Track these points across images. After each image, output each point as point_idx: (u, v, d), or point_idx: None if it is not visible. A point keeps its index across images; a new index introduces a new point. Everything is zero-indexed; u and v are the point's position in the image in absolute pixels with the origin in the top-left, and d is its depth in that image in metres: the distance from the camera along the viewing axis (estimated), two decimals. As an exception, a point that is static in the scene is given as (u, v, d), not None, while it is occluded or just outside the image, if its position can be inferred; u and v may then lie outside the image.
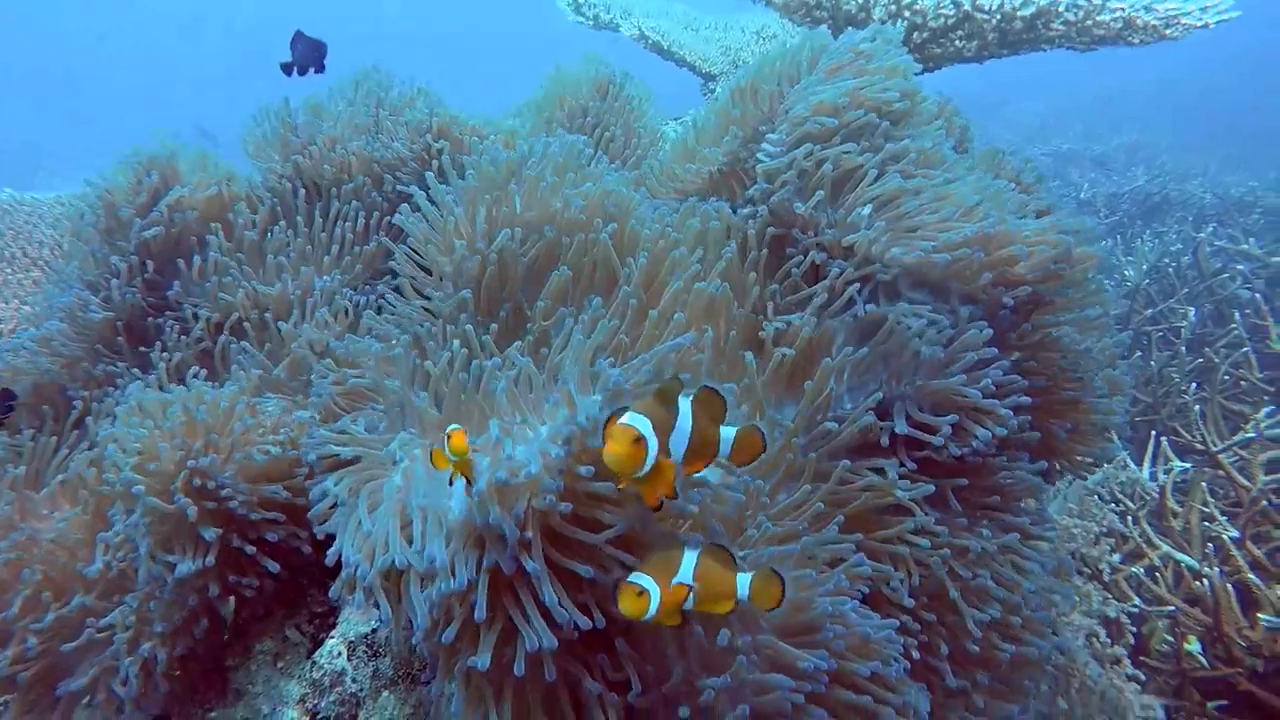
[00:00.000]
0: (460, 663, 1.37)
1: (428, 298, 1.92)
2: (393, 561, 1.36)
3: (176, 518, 1.71)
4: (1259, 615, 3.35)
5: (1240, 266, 6.44)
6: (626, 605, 1.21)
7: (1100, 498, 3.16)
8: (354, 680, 1.79)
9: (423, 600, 1.35)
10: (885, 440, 1.70)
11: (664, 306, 1.70)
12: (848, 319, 1.78)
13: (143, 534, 1.74)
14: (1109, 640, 2.81)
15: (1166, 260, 6.83)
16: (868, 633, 1.46)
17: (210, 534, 1.72)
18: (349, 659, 1.80)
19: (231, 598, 1.86)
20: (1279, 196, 8.77)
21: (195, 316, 2.29)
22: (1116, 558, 3.00)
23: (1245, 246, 6.79)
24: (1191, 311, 5.99)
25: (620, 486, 1.29)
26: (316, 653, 1.85)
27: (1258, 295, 5.98)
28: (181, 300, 2.32)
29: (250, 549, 1.78)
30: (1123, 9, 3.38)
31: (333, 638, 1.84)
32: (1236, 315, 5.69)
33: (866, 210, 1.75)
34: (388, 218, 2.36)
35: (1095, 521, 2.87)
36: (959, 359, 1.65)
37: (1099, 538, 2.88)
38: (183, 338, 2.27)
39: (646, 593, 1.21)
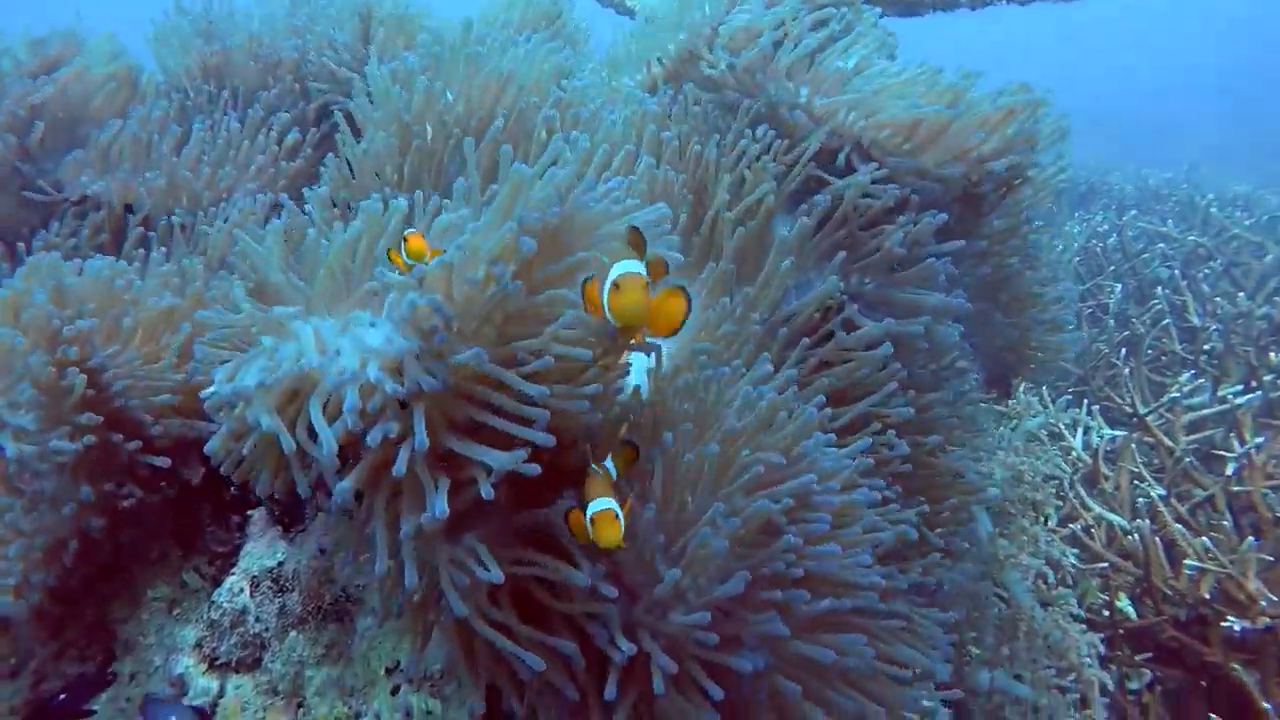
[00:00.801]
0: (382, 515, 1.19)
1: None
2: (302, 369, 1.15)
3: (50, 390, 1.46)
4: (1184, 563, 3.44)
5: (1160, 246, 6.70)
6: (608, 535, 1.14)
7: (1042, 440, 3.18)
8: (258, 620, 1.60)
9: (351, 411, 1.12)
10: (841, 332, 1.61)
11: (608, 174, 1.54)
12: (816, 201, 1.66)
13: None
14: (1055, 582, 2.82)
15: (1094, 241, 7.07)
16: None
17: (87, 418, 1.48)
18: (252, 595, 1.61)
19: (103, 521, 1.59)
20: (1191, 188, 9.21)
21: (91, 203, 2.02)
22: (1054, 515, 3.02)
23: (1165, 228, 7.07)
24: (1118, 287, 6.19)
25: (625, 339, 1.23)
26: (216, 591, 1.65)
27: (1176, 272, 6.23)
28: (70, 181, 2.05)
29: (133, 445, 1.54)
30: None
31: (234, 573, 1.65)
32: (1159, 291, 5.90)
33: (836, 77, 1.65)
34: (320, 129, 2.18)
35: (1041, 462, 2.88)
36: (920, 253, 1.57)
37: (1044, 479, 2.89)
38: (77, 224, 2.01)
39: (619, 516, 1.15)
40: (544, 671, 1.24)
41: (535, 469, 1.17)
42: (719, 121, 1.75)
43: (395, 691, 1.51)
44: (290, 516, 1.66)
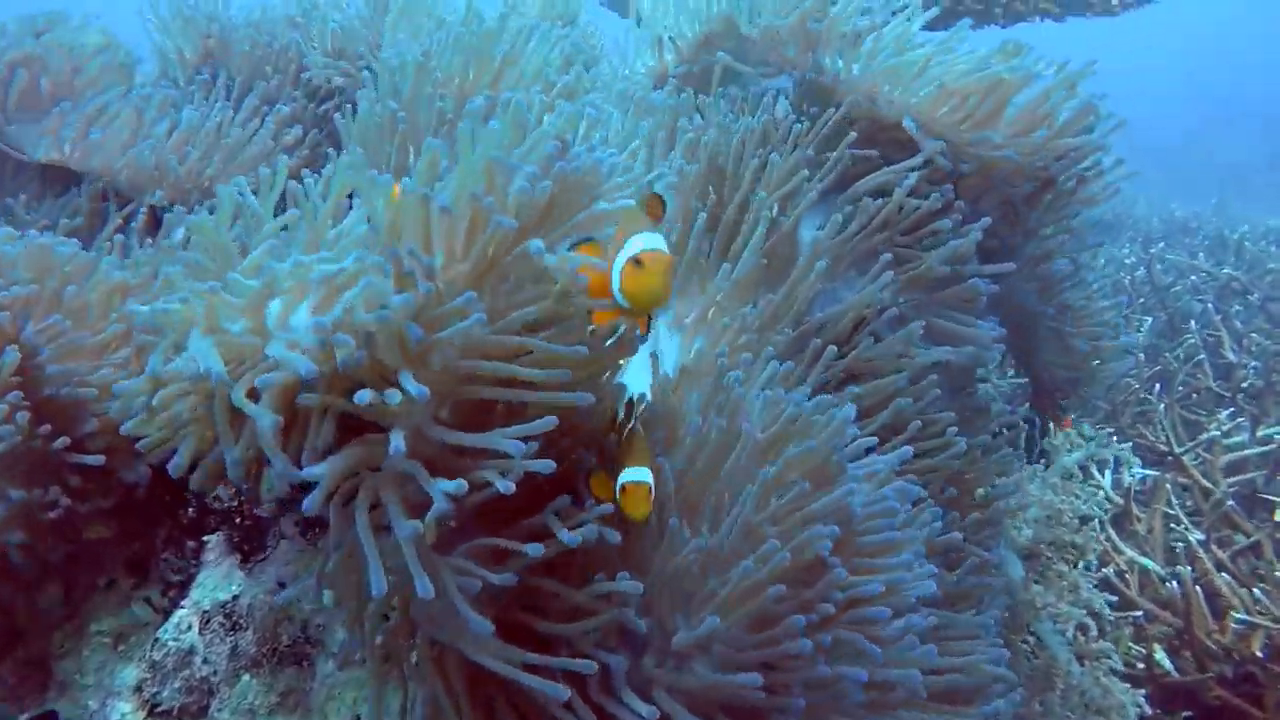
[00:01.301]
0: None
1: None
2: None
3: None
4: (1231, 614, 3.19)
5: (1192, 278, 6.49)
6: (638, 508, 1.05)
7: (1079, 477, 2.97)
8: (205, 661, 1.42)
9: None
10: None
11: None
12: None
13: None
14: (1096, 634, 2.59)
15: (1121, 274, 6.87)
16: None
17: (13, 397, 1.27)
18: (201, 633, 1.43)
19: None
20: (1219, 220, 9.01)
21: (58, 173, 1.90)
22: (1094, 560, 2.81)
23: (1196, 262, 6.87)
24: (1148, 321, 5.98)
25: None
26: (162, 627, 1.47)
27: (1209, 306, 6.01)
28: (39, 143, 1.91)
29: (61, 441, 1.32)
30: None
31: (183, 607, 1.47)
32: (1192, 324, 5.69)
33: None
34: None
35: (1081, 501, 2.67)
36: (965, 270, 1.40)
37: (1084, 522, 2.68)
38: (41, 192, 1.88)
39: (651, 490, 1.06)
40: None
41: (550, 465, 0.99)
42: (744, 104, 1.59)
43: (356, 753, 1.32)
44: (250, 544, 1.49)
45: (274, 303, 1.01)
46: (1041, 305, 1.66)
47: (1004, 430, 1.64)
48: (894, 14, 1.58)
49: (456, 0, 2.10)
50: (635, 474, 1.04)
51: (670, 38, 1.86)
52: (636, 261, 0.93)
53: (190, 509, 1.54)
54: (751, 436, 1.15)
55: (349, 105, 1.82)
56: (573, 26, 2.62)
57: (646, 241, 0.94)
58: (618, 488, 1.05)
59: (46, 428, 1.33)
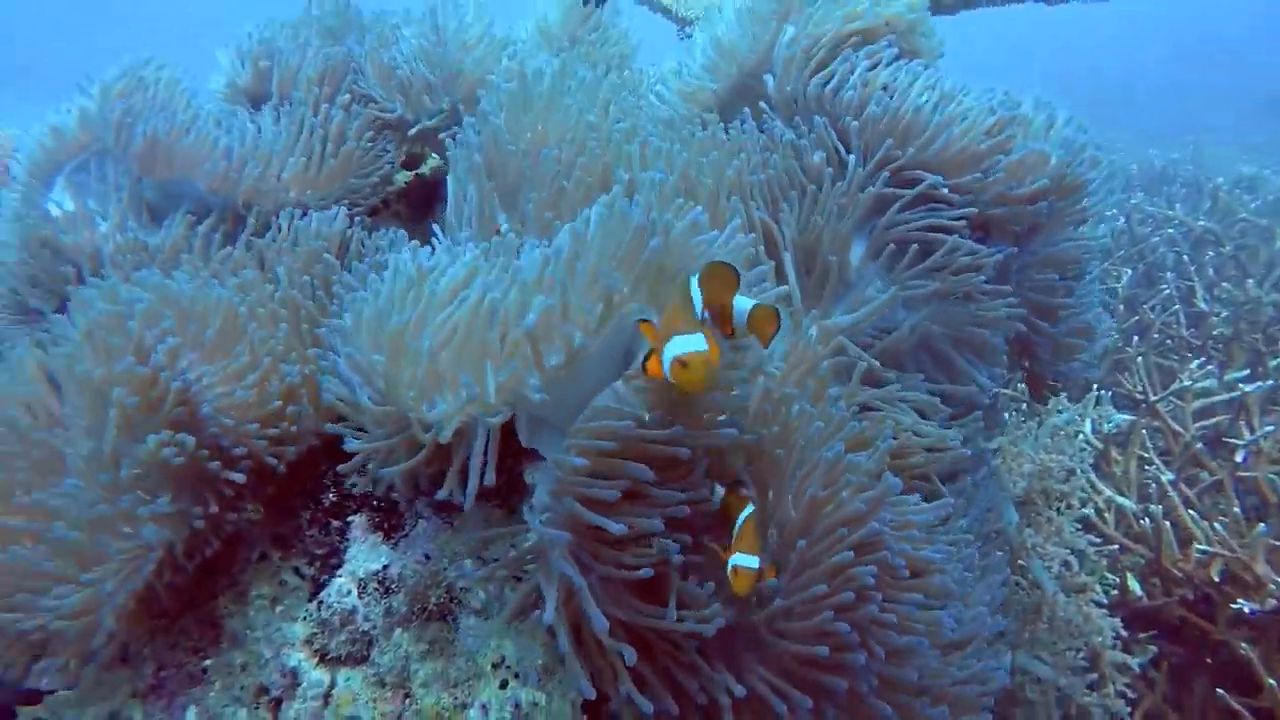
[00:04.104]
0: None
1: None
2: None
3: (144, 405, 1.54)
4: (1195, 546, 3.59)
5: (1170, 230, 6.78)
6: (742, 587, 1.32)
7: (1067, 435, 3.31)
8: (365, 619, 1.72)
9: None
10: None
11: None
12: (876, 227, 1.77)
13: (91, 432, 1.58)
14: (1079, 570, 2.96)
15: (1101, 225, 7.13)
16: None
17: (183, 439, 1.57)
18: (360, 597, 1.73)
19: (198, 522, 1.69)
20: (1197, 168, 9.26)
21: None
22: (1078, 506, 3.16)
23: (1173, 212, 7.14)
24: (1127, 273, 6.29)
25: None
26: (324, 592, 1.77)
27: (1184, 257, 6.33)
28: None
29: (215, 465, 1.64)
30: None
31: (340, 576, 1.76)
32: (1168, 275, 6.01)
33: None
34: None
35: (1067, 457, 3.01)
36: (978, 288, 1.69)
37: (1070, 473, 3.02)
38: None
39: (754, 571, 1.32)
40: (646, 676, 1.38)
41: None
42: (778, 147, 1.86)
43: (504, 685, 1.64)
44: (389, 523, 1.78)
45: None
46: (1035, 314, 1.95)
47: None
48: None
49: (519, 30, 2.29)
50: (745, 560, 1.31)
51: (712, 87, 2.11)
52: (682, 363, 1.17)
53: (330, 495, 1.82)
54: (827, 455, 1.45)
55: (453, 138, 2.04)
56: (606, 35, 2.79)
57: (689, 344, 1.17)
58: (729, 567, 1.33)
59: (204, 452, 1.62)
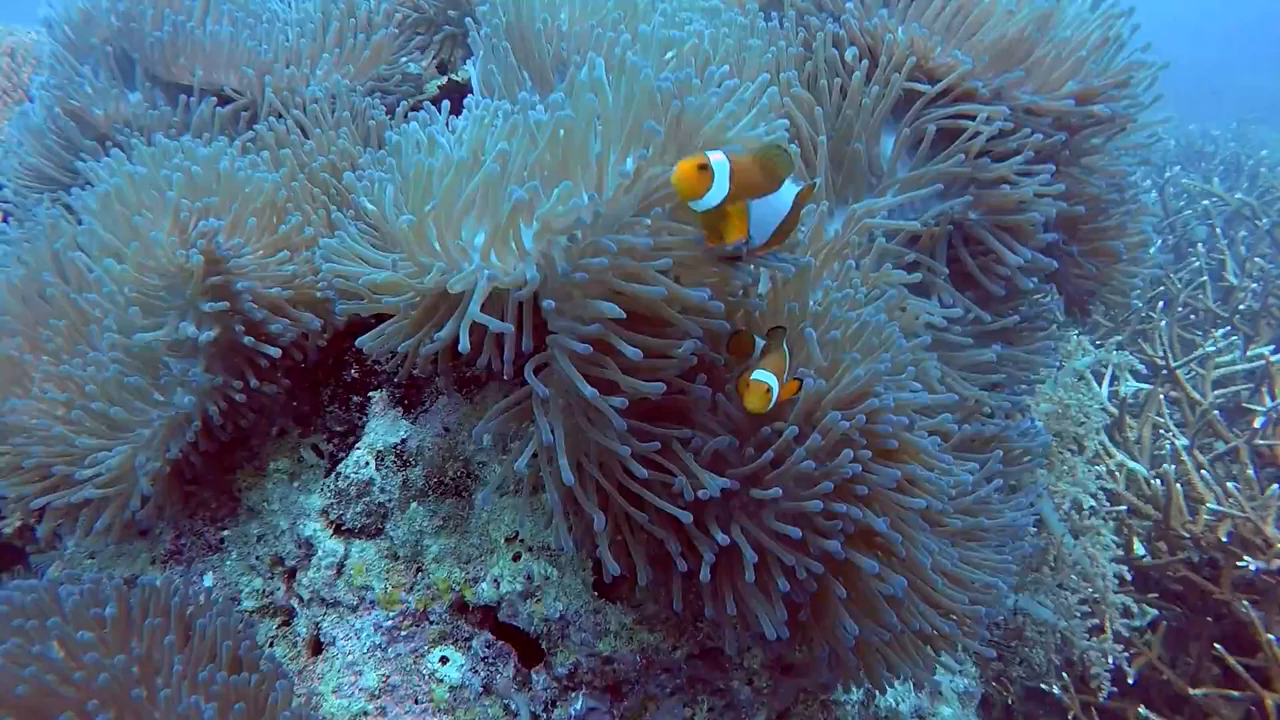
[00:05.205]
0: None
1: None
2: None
3: (180, 275, 1.55)
4: (1206, 505, 3.58)
5: (1205, 203, 6.64)
6: (754, 401, 1.32)
7: (1090, 379, 3.28)
8: (382, 490, 1.74)
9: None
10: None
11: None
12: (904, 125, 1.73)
13: (128, 305, 1.60)
14: (1089, 512, 2.96)
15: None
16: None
17: (211, 305, 1.57)
18: (377, 469, 1.75)
19: (224, 403, 1.71)
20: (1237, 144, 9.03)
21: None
22: (1093, 447, 3.13)
23: (1210, 185, 6.99)
24: (1157, 241, 6.17)
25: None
26: (342, 463, 1.78)
27: (1218, 230, 6.21)
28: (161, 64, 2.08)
29: (250, 340, 1.64)
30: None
31: (359, 448, 1.78)
32: (1199, 247, 5.90)
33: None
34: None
35: (1087, 399, 2.98)
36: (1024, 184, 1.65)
37: (1088, 414, 3.00)
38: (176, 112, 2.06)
39: (770, 390, 1.32)
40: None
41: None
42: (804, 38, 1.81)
43: (516, 559, 1.66)
44: (410, 399, 1.78)
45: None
46: (1072, 226, 1.91)
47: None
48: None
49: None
50: (763, 375, 1.33)
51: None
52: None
53: (353, 370, 1.83)
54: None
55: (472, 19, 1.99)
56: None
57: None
58: (745, 381, 1.34)
59: (240, 328, 1.63)
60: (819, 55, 1.81)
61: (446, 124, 1.62)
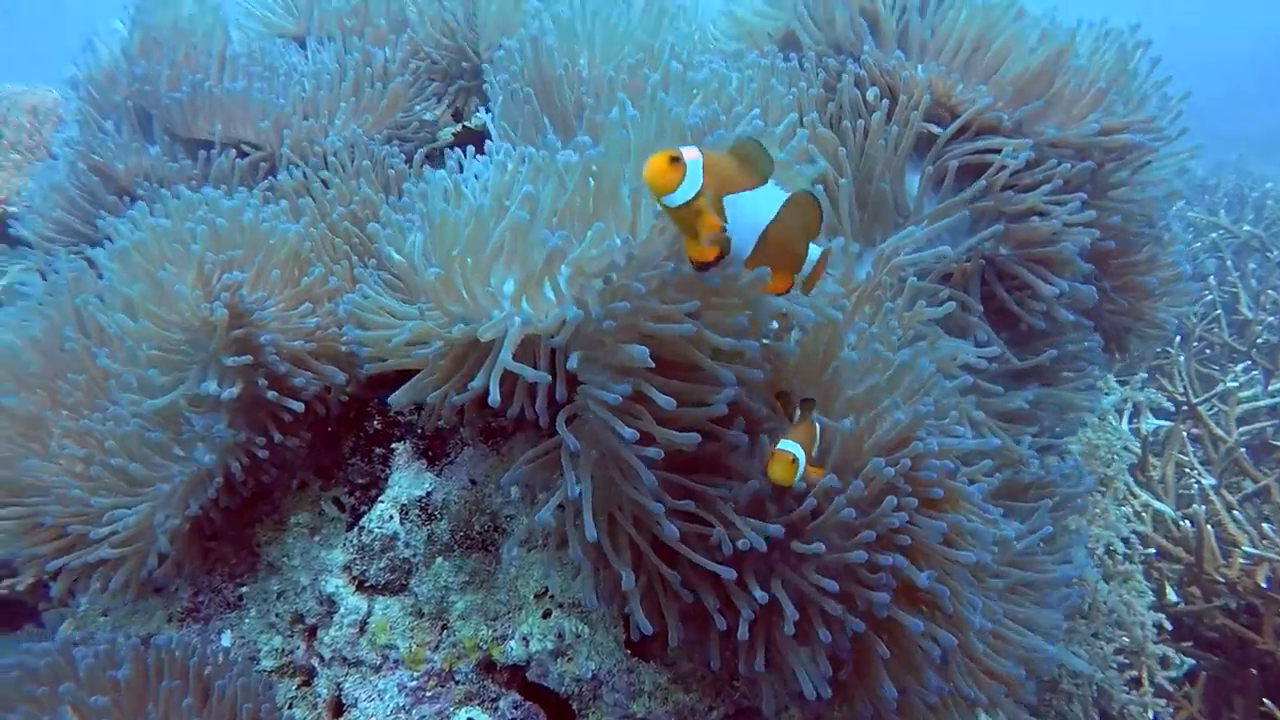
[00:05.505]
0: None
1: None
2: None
3: (203, 329, 1.53)
4: (1241, 549, 3.47)
5: (1213, 235, 6.64)
6: (778, 472, 1.28)
7: (1116, 417, 3.22)
8: (406, 545, 1.69)
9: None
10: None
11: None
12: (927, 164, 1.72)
13: (152, 364, 1.58)
14: (1123, 556, 2.87)
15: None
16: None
17: (235, 360, 1.54)
18: (401, 522, 1.70)
19: (247, 458, 1.68)
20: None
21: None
22: (1123, 489, 3.06)
23: (1216, 218, 7.00)
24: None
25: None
26: (365, 517, 1.74)
27: (1228, 262, 6.19)
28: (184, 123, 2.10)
29: (273, 394, 1.61)
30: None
31: (382, 501, 1.73)
32: (1210, 280, 5.87)
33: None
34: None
35: (1115, 438, 2.92)
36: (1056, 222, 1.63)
37: (1115, 454, 2.93)
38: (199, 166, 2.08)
39: (796, 461, 1.28)
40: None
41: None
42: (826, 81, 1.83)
43: (546, 615, 1.60)
44: (434, 450, 1.74)
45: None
46: (1102, 260, 1.89)
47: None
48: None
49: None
50: (789, 446, 1.29)
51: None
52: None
53: (375, 422, 1.80)
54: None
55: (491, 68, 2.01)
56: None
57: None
58: (772, 452, 1.31)
59: (263, 383, 1.60)
60: (842, 95, 1.81)
61: (465, 168, 1.63)
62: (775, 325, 1.40)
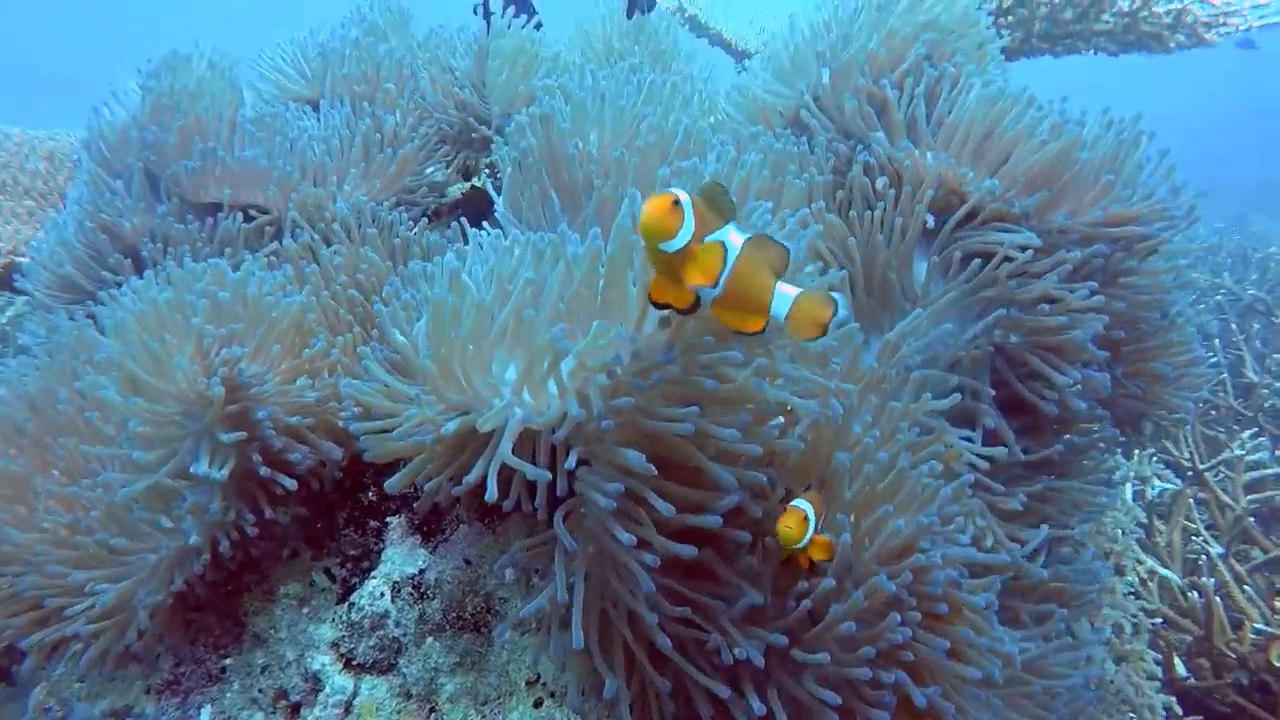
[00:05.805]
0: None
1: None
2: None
3: (199, 403, 1.52)
4: (1252, 625, 3.40)
5: (1217, 297, 6.65)
6: (788, 528, 1.28)
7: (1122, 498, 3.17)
8: (397, 624, 1.65)
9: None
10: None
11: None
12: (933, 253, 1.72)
13: (144, 444, 1.56)
14: (1131, 636, 2.80)
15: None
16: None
17: (230, 437, 1.53)
18: (392, 600, 1.66)
19: (237, 532, 1.66)
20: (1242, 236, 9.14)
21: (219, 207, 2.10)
22: (1130, 569, 3.00)
23: (1220, 279, 7.02)
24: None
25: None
26: (355, 593, 1.70)
27: (1233, 325, 6.18)
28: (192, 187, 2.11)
29: (266, 470, 1.59)
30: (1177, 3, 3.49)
31: (374, 577, 1.70)
32: (1216, 343, 5.86)
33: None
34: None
35: (1121, 514, 2.87)
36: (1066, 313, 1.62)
37: (1123, 530, 2.88)
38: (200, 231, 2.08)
39: (808, 520, 1.27)
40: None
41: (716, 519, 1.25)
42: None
43: (538, 704, 1.55)
44: (429, 526, 1.72)
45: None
46: (1114, 345, 1.88)
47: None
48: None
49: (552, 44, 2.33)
50: (801, 503, 1.30)
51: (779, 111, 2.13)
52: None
53: (370, 493, 1.77)
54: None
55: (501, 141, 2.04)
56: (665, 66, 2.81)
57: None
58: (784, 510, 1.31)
59: (257, 458, 1.58)
60: (852, 184, 1.82)
61: (469, 238, 1.63)
62: (780, 420, 1.38)
